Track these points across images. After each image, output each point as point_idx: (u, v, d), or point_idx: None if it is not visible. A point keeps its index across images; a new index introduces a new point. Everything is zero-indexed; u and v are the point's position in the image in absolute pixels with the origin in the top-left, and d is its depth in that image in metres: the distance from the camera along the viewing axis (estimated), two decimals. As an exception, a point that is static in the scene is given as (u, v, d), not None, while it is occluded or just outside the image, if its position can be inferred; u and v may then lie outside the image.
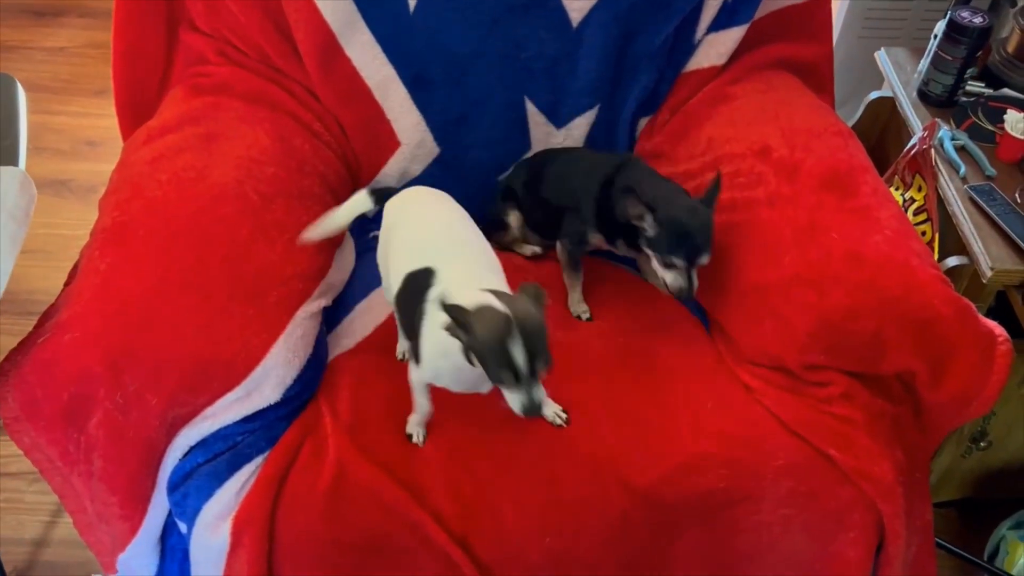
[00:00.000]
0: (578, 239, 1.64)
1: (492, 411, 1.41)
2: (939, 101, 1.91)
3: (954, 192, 1.71)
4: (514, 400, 1.16)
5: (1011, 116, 1.74)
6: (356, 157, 1.78)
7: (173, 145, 1.52)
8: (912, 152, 1.84)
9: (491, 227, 1.70)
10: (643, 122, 1.85)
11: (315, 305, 1.47)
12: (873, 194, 1.52)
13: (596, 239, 1.64)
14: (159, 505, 1.37)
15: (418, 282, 1.30)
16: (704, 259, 1.47)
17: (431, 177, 1.81)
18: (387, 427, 1.41)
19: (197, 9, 1.71)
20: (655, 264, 1.51)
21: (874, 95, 2.12)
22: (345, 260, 1.68)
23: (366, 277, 1.68)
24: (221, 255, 1.39)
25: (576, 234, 1.64)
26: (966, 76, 1.87)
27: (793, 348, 1.43)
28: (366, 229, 1.83)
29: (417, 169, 1.81)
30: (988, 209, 1.65)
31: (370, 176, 1.81)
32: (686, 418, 1.43)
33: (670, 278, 1.49)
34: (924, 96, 1.93)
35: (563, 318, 1.62)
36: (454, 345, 1.18)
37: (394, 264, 1.39)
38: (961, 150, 1.79)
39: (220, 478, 1.32)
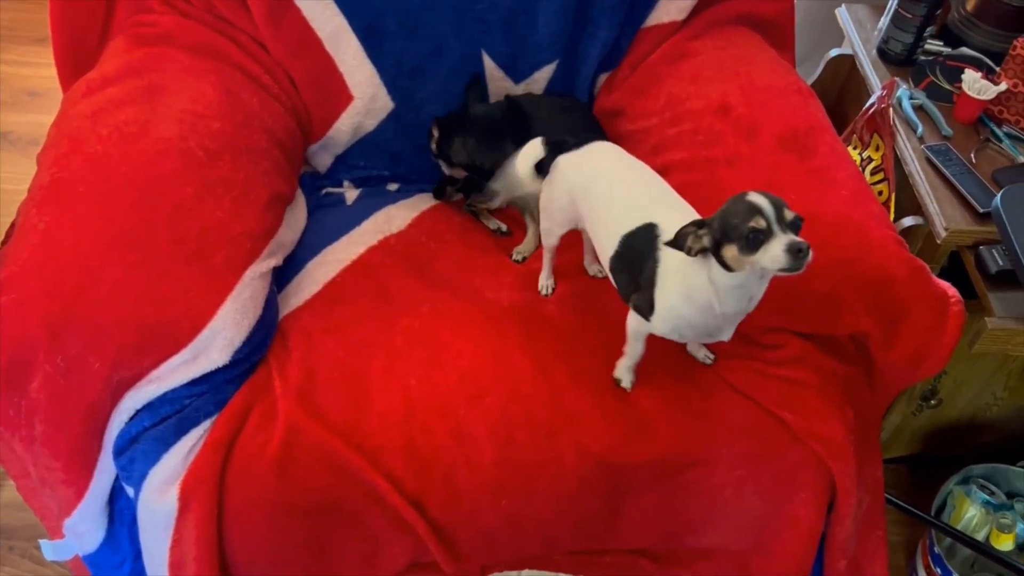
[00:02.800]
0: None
1: (451, 373, 1.40)
2: (898, 60, 1.90)
3: (911, 152, 1.71)
4: (776, 249, 1.08)
5: (969, 76, 1.74)
6: (307, 111, 1.73)
7: (114, 98, 1.47)
8: (871, 111, 1.83)
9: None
10: (603, 78, 1.82)
11: (264, 265, 1.43)
12: (831, 154, 1.52)
13: None
14: (105, 470, 1.34)
15: (641, 239, 1.28)
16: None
17: (385, 132, 1.77)
18: (338, 388, 1.38)
19: (139, -46, 1.64)
20: None
21: (834, 52, 2.10)
22: (296, 218, 1.64)
23: (318, 234, 1.65)
24: (165, 213, 1.35)
25: None
26: (925, 35, 1.86)
27: (748, 310, 1.43)
28: (317, 186, 1.80)
29: (371, 124, 1.77)
30: (944, 169, 1.65)
31: (322, 131, 1.76)
32: (641, 382, 1.42)
33: None
34: (884, 54, 1.92)
35: (522, 282, 1.60)
36: (698, 283, 1.19)
37: (604, 227, 1.36)
38: (919, 109, 1.79)
39: (167, 442, 1.30)
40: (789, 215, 1.11)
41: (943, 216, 1.59)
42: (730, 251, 1.13)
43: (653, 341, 1.38)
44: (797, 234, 1.11)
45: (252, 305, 1.38)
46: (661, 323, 1.30)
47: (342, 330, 1.46)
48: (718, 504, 1.43)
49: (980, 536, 1.72)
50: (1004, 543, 1.70)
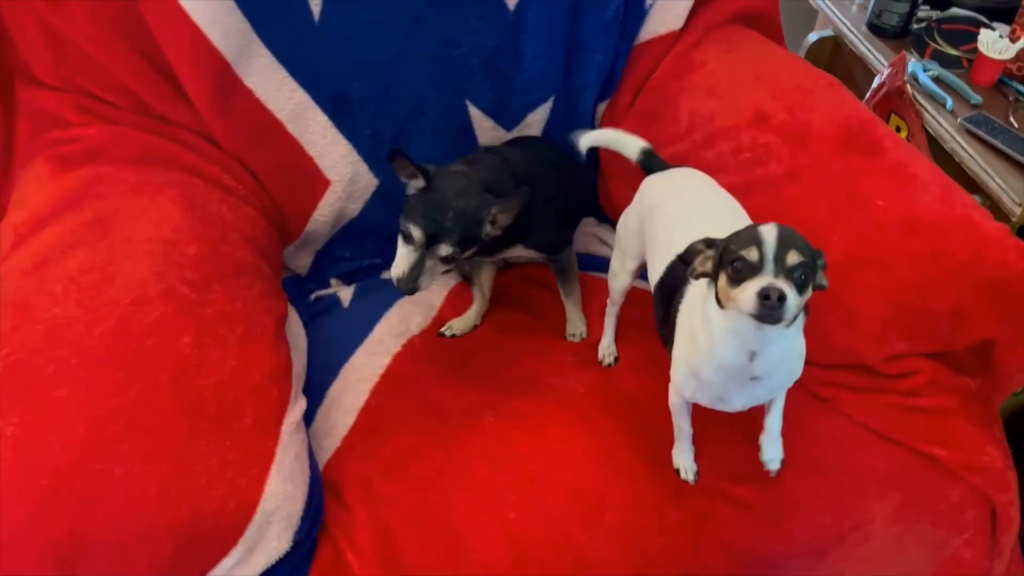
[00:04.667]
0: None
1: (553, 493, 1.16)
2: (894, 32, 1.77)
3: (947, 127, 1.58)
4: (750, 289, 0.88)
5: (985, 36, 1.62)
6: (278, 208, 1.45)
7: (57, 242, 1.15)
8: (883, 90, 1.69)
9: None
10: (602, 107, 1.61)
11: (297, 411, 1.16)
12: (898, 148, 1.35)
13: None
14: None
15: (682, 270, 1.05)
16: (443, 249, 1.19)
17: (373, 214, 1.52)
18: (424, 542, 1.11)
19: (37, 57, 1.32)
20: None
21: (814, 36, 1.96)
22: (296, 338, 1.35)
23: (327, 352, 1.38)
24: (167, 378, 1.05)
25: None
26: (919, 1, 1.74)
27: (868, 340, 1.25)
28: (303, 291, 1.52)
29: (355, 208, 1.50)
30: (991, 140, 1.52)
31: (299, 227, 1.48)
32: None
33: (398, 258, 1.20)
34: (876, 29, 1.79)
35: (585, 358, 1.38)
36: (698, 319, 1.00)
37: (657, 251, 1.18)
38: (936, 81, 1.66)
39: (239, 672, 1.00)
40: (794, 259, 0.89)
41: (1011, 190, 1.46)
42: (722, 279, 0.93)
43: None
44: (803, 287, 0.90)
45: (300, 467, 1.10)
46: (677, 374, 1.10)
47: (403, 467, 1.19)
48: (879, 567, 1.24)
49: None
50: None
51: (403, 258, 1.19)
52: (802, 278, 0.90)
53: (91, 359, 1.04)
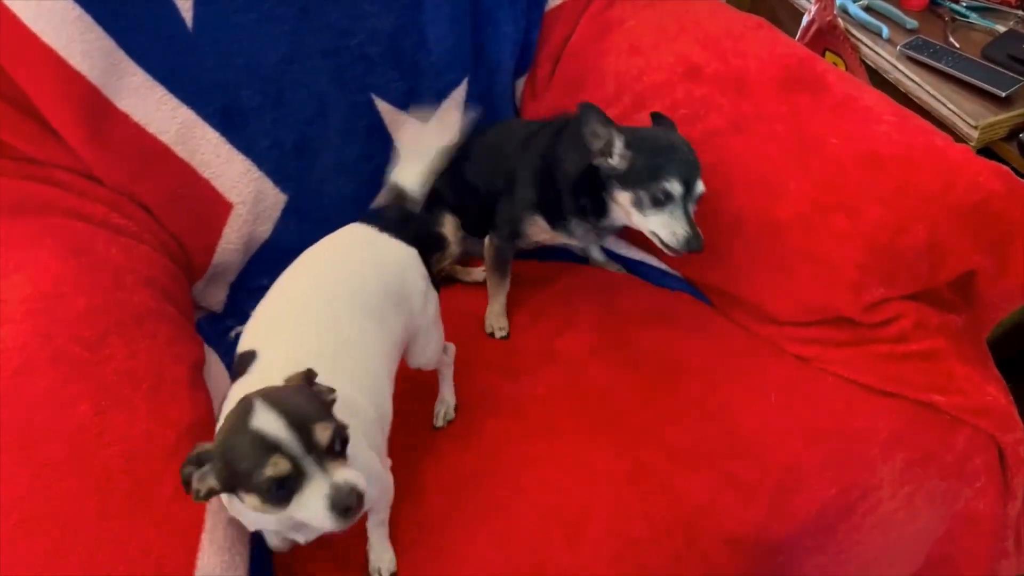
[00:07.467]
0: (510, 229, 1.28)
1: (526, 510, 1.03)
2: (814, -34, 1.67)
3: (887, 57, 1.49)
4: (315, 504, 0.77)
5: (911, -44, 1.53)
6: (179, 242, 1.29)
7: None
8: (813, 28, 1.60)
9: (423, 247, 1.26)
10: (521, 82, 1.48)
11: (227, 467, 1.01)
12: (843, 82, 1.26)
13: (535, 225, 1.26)
14: None
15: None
16: (701, 186, 1.11)
17: (286, 233, 1.36)
18: None
19: None
20: (636, 218, 1.13)
21: (730, -17, 1.86)
22: (218, 385, 1.19)
23: (257, 392, 1.22)
24: (65, 454, 0.91)
25: (509, 222, 1.28)
26: (835, -71, 1.64)
27: (845, 289, 1.15)
28: (223, 328, 1.36)
29: (265, 229, 1.35)
30: (936, 64, 1.44)
31: (205, 260, 1.33)
32: (753, 429, 1.11)
33: (662, 223, 1.10)
34: (795, -35, 1.70)
35: (545, 345, 1.25)
36: None
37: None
38: (867, 10, 1.57)
39: None
40: (324, 434, 0.77)
41: (965, 114, 1.37)
42: (252, 501, 0.78)
43: (733, 367, 1.14)
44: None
45: (236, 532, 0.94)
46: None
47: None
48: (893, 533, 1.15)
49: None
50: None
51: (678, 220, 1.10)
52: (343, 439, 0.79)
53: (-30, 447, 0.88)
